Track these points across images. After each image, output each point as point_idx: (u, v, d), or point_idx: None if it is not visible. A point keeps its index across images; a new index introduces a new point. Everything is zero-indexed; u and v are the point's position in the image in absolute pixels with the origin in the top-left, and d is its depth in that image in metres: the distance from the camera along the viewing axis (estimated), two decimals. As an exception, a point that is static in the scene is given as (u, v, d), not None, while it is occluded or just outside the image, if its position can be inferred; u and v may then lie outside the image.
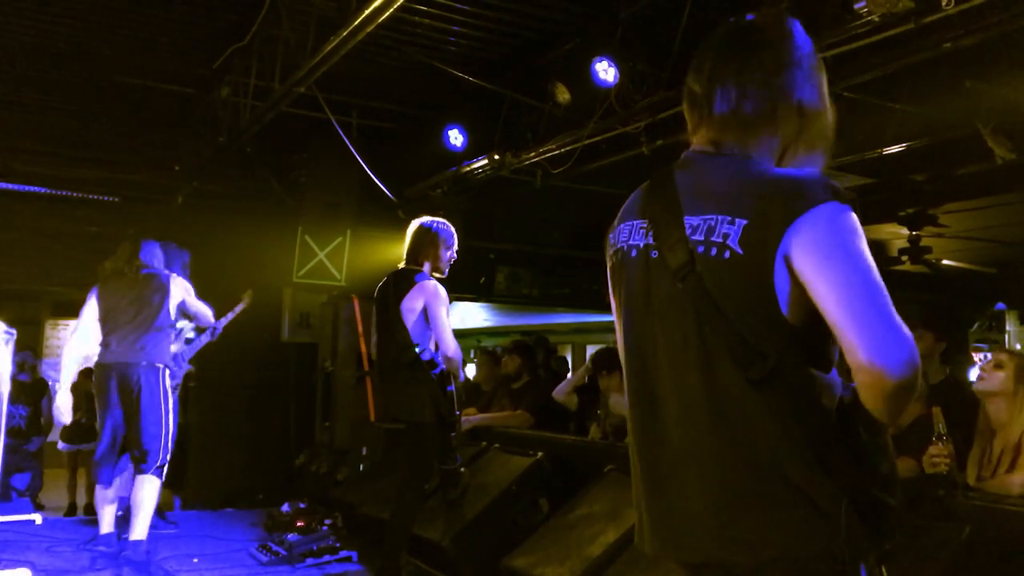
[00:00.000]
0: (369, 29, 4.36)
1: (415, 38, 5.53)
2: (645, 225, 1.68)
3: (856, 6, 3.63)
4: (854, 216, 1.49)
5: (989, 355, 3.70)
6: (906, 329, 1.41)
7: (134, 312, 5.01)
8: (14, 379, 7.59)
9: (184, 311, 5.34)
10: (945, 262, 8.95)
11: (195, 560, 5.04)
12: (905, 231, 7.62)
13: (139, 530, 4.71)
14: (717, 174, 1.62)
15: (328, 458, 7.03)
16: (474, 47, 5.68)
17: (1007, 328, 11.39)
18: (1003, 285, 10.36)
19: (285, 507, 5.69)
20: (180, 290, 5.15)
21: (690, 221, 1.57)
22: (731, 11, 4.43)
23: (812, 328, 1.49)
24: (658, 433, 1.63)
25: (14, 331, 5.69)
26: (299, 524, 5.33)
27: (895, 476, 1.54)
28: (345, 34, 4.42)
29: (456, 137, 6.25)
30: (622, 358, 1.78)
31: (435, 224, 4.56)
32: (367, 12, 4.18)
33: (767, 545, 1.50)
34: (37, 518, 6.13)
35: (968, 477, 3.54)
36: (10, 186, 7.14)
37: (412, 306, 4.37)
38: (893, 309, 1.43)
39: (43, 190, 7.27)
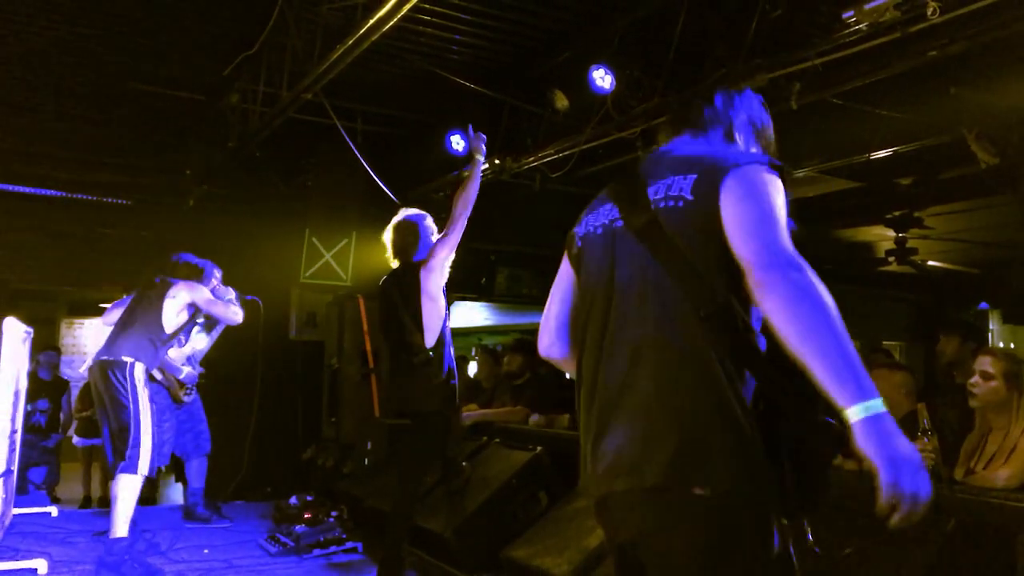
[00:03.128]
0: (374, 38, 4.35)
1: (418, 47, 5.53)
2: (611, 207, 1.84)
3: (844, 16, 3.63)
4: (777, 178, 1.66)
5: (976, 365, 3.55)
6: (791, 249, 1.54)
7: (127, 314, 4.99)
8: (35, 376, 7.61)
9: (202, 314, 5.32)
10: (930, 263, 8.95)
11: (206, 551, 5.03)
12: (892, 233, 7.62)
13: (115, 528, 4.44)
14: (677, 153, 1.83)
15: (334, 452, 7.03)
16: (475, 56, 5.68)
17: (990, 327, 11.39)
18: (986, 285, 10.37)
19: (293, 500, 5.69)
20: (187, 293, 5.05)
21: (653, 188, 1.75)
22: (723, 21, 4.45)
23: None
24: (611, 373, 1.70)
25: (31, 330, 5.69)
26: (306, 516, 5.33)
27: (825, 424, 1.54)
28: (351, 43, 4.42)
29: (458, 142, 6.25)
30: (576, 327, 1.89)
31: (415, 216, 4.46)
32: (372, 22, 4.18)
33: (709, 480, 1.53)
34: (53, 510, 6.13)
35: (957, 470, 3.50)
36: (27, 189, 7.14)
37: (430, 293, 4.21)
38: (784, 236, 1.56)
39: (59, 193, 7.27)
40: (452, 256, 4.23)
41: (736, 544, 1.55)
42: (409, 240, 4.37)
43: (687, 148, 1.85)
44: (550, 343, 1.99)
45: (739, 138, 1.90)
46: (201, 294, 5.15)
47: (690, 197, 1.66)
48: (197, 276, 5.30)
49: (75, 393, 8.90)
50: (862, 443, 1.36)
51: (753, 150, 1.91)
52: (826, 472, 1.60)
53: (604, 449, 1.68)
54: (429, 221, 4.44)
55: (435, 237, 4.35)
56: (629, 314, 1.69)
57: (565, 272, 1.98)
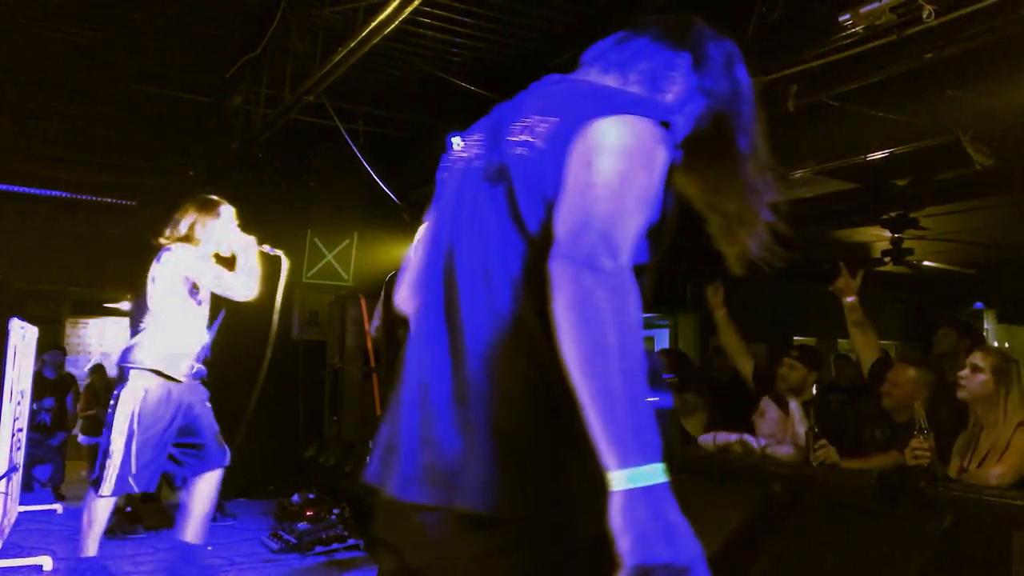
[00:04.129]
0: (375, 41, 4.36)
1: (419, 49, 5.53)
2: (479, 137, 1.48)
3: (841, 19, 3.63)
4: (659, 143, 1.26)
5: (968, 359, 3.57)
6: (613, 242, 1.14)
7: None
8: (40, 376, 7.61)
9: (203, 286, 4.47)
10: (926, 263, 8.95)
11: (209, 548, 5.03)
12: (888, 234, 7.62)
13: (85, 546, 4.14)
14: (556, 88, 1.43)
15: (336, 451, 7.03)
16: (476, 57, 5.68)
17: (985, 327, 11.39)
18: (981, 285, 10.38)
19: (295, 498, 5.69)
20: (175, 264, 4.23)
21: (512, 127, 1.37)
22: (720, 19, 4.45)
23: None
24: (430, 357, 1.35)
25: (36, 329, 5.69)
26: (308, 514, 5.33)
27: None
28: (352, 45, 4.43)
29: (458, 143, 6.25)
30: (414, 276, 1.56)
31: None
32: (373, 24, 4.18)
33: (525, 504, 1.20)
34: (58, 508, 6.14)
35: (951, 467, 3.50)
36: (31, 190, 7.14)
37: None
38: (614, 221, 1.16)
39: (63, 194, 7.27)
40: None
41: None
42: None
43: (573, 84, 1.43)
44: (406, 296, 1.62)
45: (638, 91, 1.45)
46: (193, 259, 4.31)
47: (543, 145, 1.29)
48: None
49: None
50: (615, 516, 1.05)
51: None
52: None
53: (403, 445, 1.35)
54: None
55: None
56: (461, 290, 1.33)
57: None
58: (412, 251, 1.64)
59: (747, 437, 4.20)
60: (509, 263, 1.29)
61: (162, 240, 4.26)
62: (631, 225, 1.19)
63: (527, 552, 1.21)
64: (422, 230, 1.60)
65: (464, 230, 1.38)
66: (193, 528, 4.19)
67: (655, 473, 1.06)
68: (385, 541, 1.42)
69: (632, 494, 1.05)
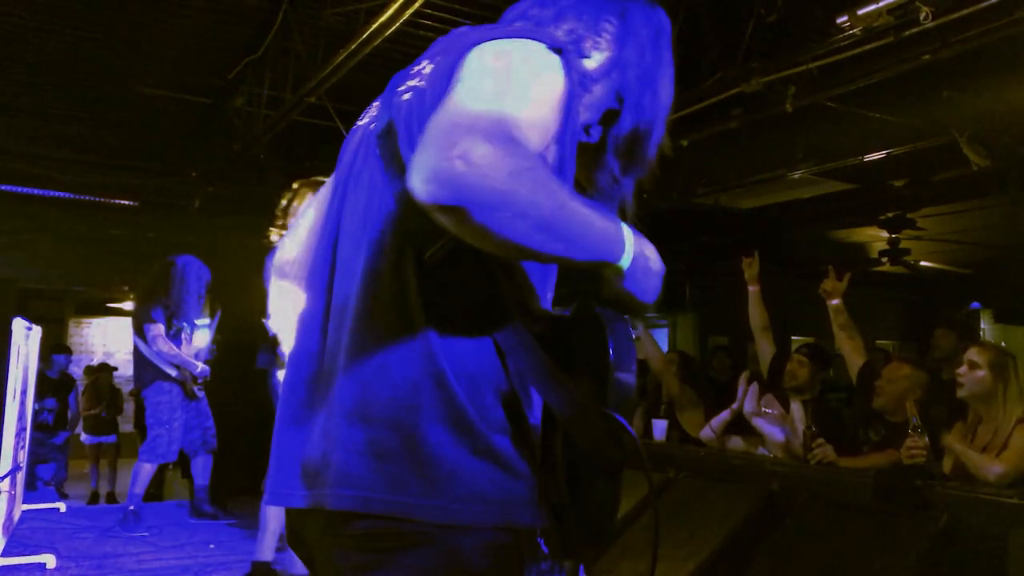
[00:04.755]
0: (376, 42, 4.36)
1: (420, 51, 5.49)
2: (372, 108, 1.37)
3: (839, 20, 3.63)
4: (548, 54, 1.10)
5: (965, 356, 3.54)
6: (475, 151, 0.89)
7: None
8: (43, 375, 7.61)
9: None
10: (923, 263, 8.95)
11: (211, 546, 5.04)
12: (885, 234, 7.63)
13: (260, 550, 4.24)
14: (450, 35, 1.28)
15: (337, 449, 7.02)
16: (476, 59, 5.68)
17: (982, 326, 11.39)
18: (978, 285, 10.38)
19: (297, 496, 5.69)
20: None
21: (403, 79, 1.27)
22: (719, 26, 4.45)
23: None
24: (316, 333, 1.20)
25: (39, 329, 5.69)
26: (310, 512, 5.33)
27: (603, 418, 1.06)
28: (353, 47, 4.43)
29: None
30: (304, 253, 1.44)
31: None
32: (374, 26, 4.18)
33: (404, 496, 1.04)
34: (61, 506, 6.14)
35: (945, 460, 3.50)
36: (35, 191, 7.14)
37: None
38: (500, 105, 0.98)
39: (66, 194, 7.27)
40: None
41: None
42: None
43: (467, 28, 1.26)
44: (281, 271, 1.59)
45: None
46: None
47: (424, 86, 1.16)
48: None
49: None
50: (617, 287, 1.08)
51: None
52: (614, 492, 1.09)
53: (282, 445, 1.22)
54: None
55: None
56: (345, 254, 1.19)
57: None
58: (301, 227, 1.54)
59: (735, 406, 4.27)
60: (385, 216, 1.13)
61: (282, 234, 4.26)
62: (518, 126, 0.97)
63: (413, 556, 1.04)
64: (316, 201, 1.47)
65: (350, 193, 1.24)
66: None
67: (629, 243, 1.05)
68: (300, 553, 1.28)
69: (631, 271, 1.07)
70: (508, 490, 1.07)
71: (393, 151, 1.16)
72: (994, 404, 3.39)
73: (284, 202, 4.04)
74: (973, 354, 3.46)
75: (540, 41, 1.12)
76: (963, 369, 3.47)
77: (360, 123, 1.37)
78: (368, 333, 1.11)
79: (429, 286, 1.09)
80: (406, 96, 1.20)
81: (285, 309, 1.63)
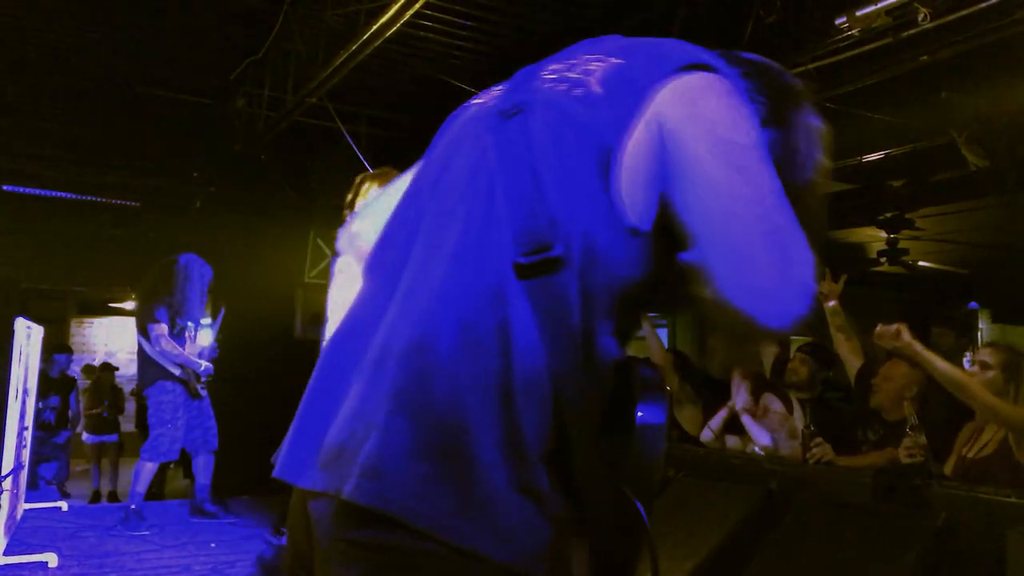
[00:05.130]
0: (377, 43, 4.36)
1: (420, 52, 5.53)
2: (494, 90, 1.22)
3: (837, 22, 3.63)
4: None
5: (976, 356, 3.51)
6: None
7: None
8: (45, 375, 7.62)
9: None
10: (922, 263, 8.95)
11: (212, 545, 5.03)
12: (883, 234, 7.62)
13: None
14: (608, 40, 1.20)
15: (338, 449, 7.01)
16: (477, 60, 5.68)
17: (979, 326, 11.39)
18: (976, 285, 10.37)
19: (298, 495, 5.68)
20: None
21: (548, 68, 1.14)
22: (718, 22, 4.45)
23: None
24: (376, 320, 1.07)
25: (41, 328, 5.69)
26: (311, 511, 5.33)
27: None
28: (354, 48, 4.43)
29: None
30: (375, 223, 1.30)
31: None
32: (375, 27, 4.18)
33: (432, 508, 0.93)
34: (63, 505, 6.14)
35: (949, 461, 3.49)
36: (37, 191, 7.15)
37: None
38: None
39: (68, 195, 7.27)
40: None
41: None
42: None
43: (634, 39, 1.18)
44: (353, 238, 1.47)
45: None
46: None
47: (598, 89, 1.04)
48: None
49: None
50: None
51: None
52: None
53: (319, 416, 1.09)
54: None
55: None
56: (430, 233, 1.07)
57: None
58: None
59: (730, 403, 4.27)
60: (510, 210, 1.00)
61: None
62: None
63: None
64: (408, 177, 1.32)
65: (448, 172, 1.13)
66: None
67: None
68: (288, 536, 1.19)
69: None
70: (535, 532, 0.96)
71: (526, 140, 1.03)
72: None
73: (350, 196, 4.01)
74: (985, 355, 3.44)
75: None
76: (975, 369, 3.44)
77: (475, 100, 1.25)
78: (439, 324, 0.98)
79: (522, 290, 0.97)
80: (560, 86, 1.07)
81: (343, 286, 1.50)
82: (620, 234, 1.00)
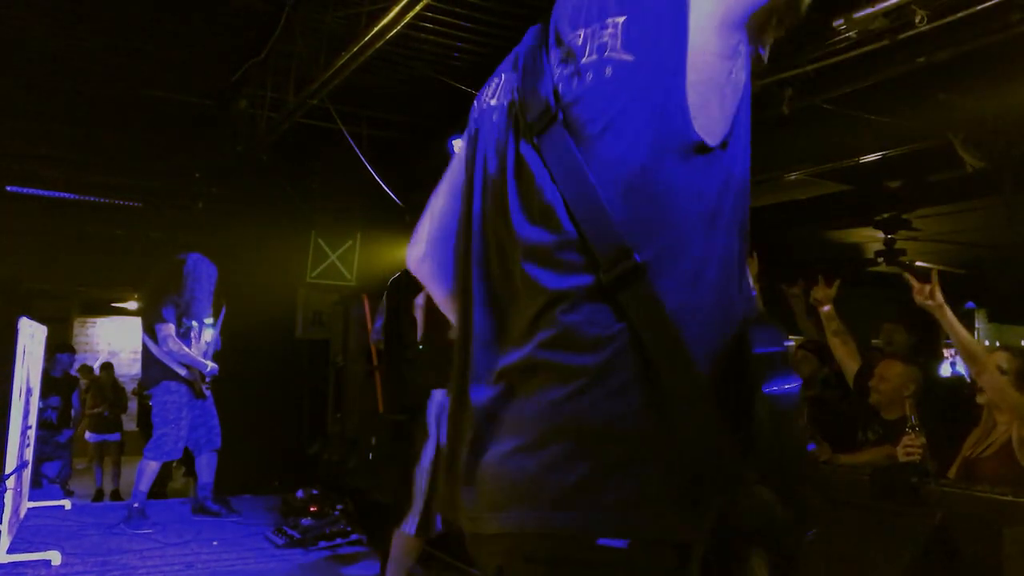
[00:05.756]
0: (378, 45, 4.36)
1: (421, 53, 5.53)
2: (510, 73, 1.19)
3: (835, 23, 3.63)
4: None
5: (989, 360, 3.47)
6: None
7: None
8: (48, 374, 7.62)
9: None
10: (919, 264, 8.95)
11: (215, 543, 5.04)
12: (881, 234, 7.62)
13: None
14: None
15: (339, 447, 7.03)
16: (477, 62, 5.67)
17: (976, 326, 11.38)
18: (972, 285, 10.36)
19: (299, 493, 5.69)
20: None
21: (569, 39, 1.07)
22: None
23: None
24: (487, 357, 1.07)
25: (45, 328, 5.69)
26: (312, 509, 5.33)
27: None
28: (355, 50, 4.42)
29: (460, 147, 6.25)
30: (457, 253, 1.24)
31: None
32: (376, 29, 4.18)
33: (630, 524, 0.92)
34: (66, 504, 6.14)
35: (952, 466, 3.48)
36: (40, 192, 7.15)
37: (422, 303, 4.36)
38: None
39: (71, 195, 7.27)
40: None
41: None
42: None
43: None
44: (421, 256, 1.31)
45: None
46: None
47: (627, 56, 0.99)
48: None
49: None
50: None
51: None
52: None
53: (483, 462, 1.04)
54: None
55: None
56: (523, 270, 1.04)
57: (461, 155, 1.30)
58: (433, 203, 1.38)
59: None
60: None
61: None
62: None
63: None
64: (449, 176, 1.35)
65: (510, 206, 1.08)
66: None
67: None
68: None
69: None
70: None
71: (572, 162, 0.99)
72: (1012, 407, 3.34)
73: None
74: (1002, 359, 3.41)
75: None
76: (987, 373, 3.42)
77: (497, 95, 1.23)
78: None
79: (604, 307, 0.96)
80: (573, 76, 1.04)
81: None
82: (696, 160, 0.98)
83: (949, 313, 3.31)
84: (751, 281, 1.08)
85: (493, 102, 1.21)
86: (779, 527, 0.96)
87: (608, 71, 1.00)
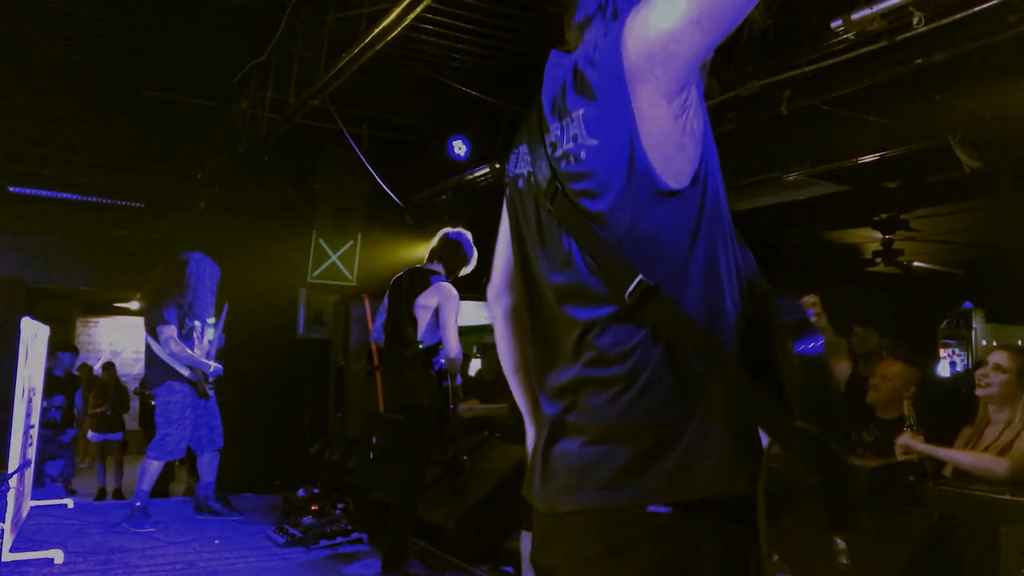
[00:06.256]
0: (378, 47, 4.35)
1: (421, 55, 5.53)
2: (525, 149, 1.41)
3: (833, 25, 3.63)
4: None
5: (990, 357, 3.46)
6: None
7: None
8: (50, 374, 7.62)
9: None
10: (916, 264, 8.95)
11: (216, 542, 5.03)
12: (879, 235, 7.62)
13: None
14: (574, 60, 1.35)
15: (340, 447, 7.03)
16: (477, 63, 5.68)
17: (973, 325, 11.38)
18: (970, 285, 10.36)
19: (300, 492, 5.68)
20: None
21: (552, 128, 1.32)
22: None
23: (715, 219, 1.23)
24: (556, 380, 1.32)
25: (47, 328, 5.69)
26: (313, 508, 5.33)
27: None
28: (356, 51, 4.42)
29: (460, 147, 6.25)
30: (519, 309, 1.54)
31: (461, 236, 4.59)
32: (376, 31, 4.18)
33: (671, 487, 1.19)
34: (69, 503, 6.13)
35: (947, 468, 3.47)
36: (43, 192, 7.15)
37: (426, 304, 4.36)
38: None
39: (74, 196, 7.27)
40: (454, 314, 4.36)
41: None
42: (448, 252, 4.56)
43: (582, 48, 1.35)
44: (495, 299, 1.66)
45: None
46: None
47: (592, 141, 1.23)
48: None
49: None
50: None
51: None
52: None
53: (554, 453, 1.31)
54: (470, 254, 4.61)
55: (465, 268, 4.59)
56: (563, 296, 1.30)
57: (504, 215, 1.54)
58: (498, 254, 1.65)
59: None
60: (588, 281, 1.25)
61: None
62: None
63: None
64: (503, 232, 1.58)
65: (548, 264, 1.33)
66: None
67: None
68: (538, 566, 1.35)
69: None
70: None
71: (581, 222, 1.25)
72: (1009, 407, 3.36)
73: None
74: (1002, 358, 3.40)
75: None
76: (987, 371, 3.41)
77: (519, 167, 1.43)
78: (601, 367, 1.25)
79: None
80: (565, 156, 1.28)
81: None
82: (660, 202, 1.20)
83: (942, 451, 3.32)
84: (749, 252, 1.30)
85: (517, 172, 1.44)
86: (833, 469, 1.25)
87: (583, 155, 1.24)
